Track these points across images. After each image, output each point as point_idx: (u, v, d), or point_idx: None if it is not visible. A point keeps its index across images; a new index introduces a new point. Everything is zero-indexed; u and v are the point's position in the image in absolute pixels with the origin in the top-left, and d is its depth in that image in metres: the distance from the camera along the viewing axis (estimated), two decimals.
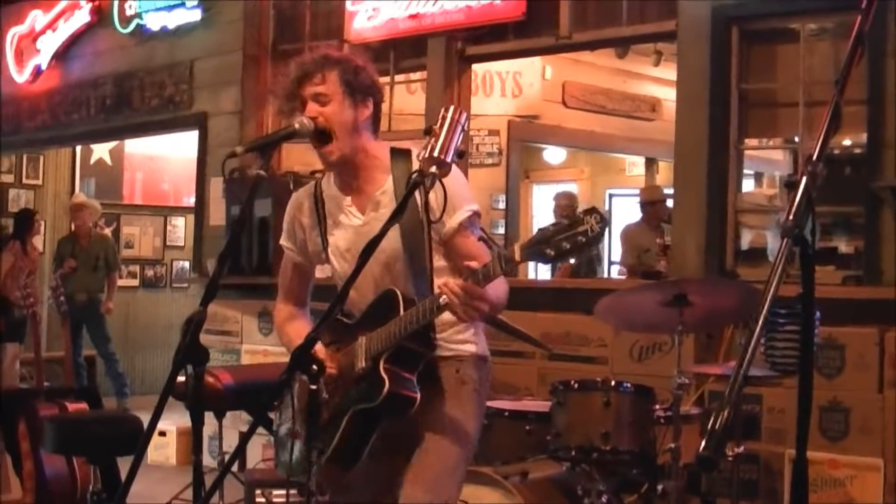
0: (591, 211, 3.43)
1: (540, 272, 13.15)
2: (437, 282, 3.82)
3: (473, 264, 3.66)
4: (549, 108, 13.08)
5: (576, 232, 3.40)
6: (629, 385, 5.57)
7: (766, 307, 2.26)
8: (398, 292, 3.91)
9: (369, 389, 3.90)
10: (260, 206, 8.99)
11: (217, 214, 10.57)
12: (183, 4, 11.21)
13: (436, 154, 3.64)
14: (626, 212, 12.94)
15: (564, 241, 3.41)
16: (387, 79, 9.38)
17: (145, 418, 4.27)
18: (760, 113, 7.79)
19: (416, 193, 3.68)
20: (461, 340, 4.19)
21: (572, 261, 12.90)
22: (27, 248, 11.86)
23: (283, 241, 4.42)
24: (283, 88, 4.08)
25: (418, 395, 3.93)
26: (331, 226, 4.24)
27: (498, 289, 3.93)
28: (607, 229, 3.45)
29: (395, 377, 3.89)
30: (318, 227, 4.27)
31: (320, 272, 4.49)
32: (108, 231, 14.19)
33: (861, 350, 6.48)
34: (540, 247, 3.46)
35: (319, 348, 4.09)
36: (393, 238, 3.88)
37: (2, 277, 11.36)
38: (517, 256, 3.52)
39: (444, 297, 3.63)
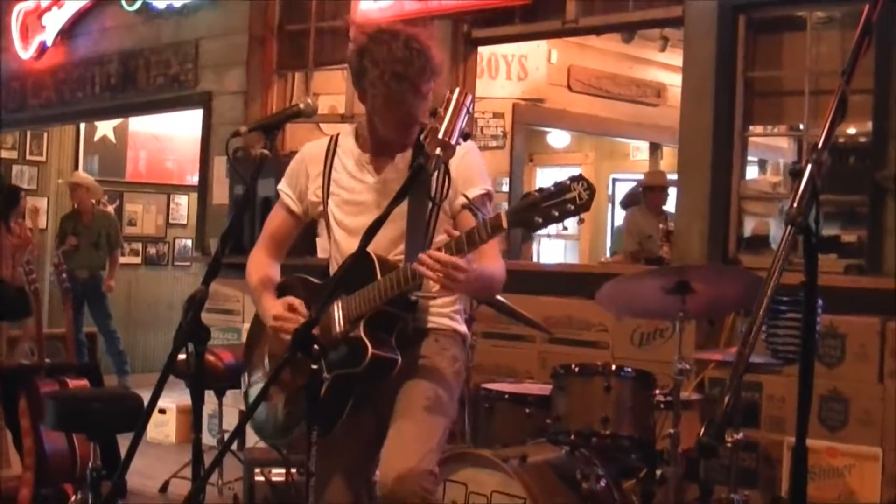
0: (578, 178, 3.42)
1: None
2: None
3: (454, 232, 3.67)
4: (554, 91, 13.05)
5: (564, 199, 3.40)
6: (630, 370, 5.56)
7: (768, 294, 2.26)
8: (374, 256, 3.91)
9: (349, 354, 3.91)
10: (263, 185, 8.92)
11: (220, 193, 10.58)
12: None
13: (440, 136, 3.64)
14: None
15: (553, 209, 3.41)
16: None
17: (146, 396, 4.28)
18: (766, 101, 7.77)
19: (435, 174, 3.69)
20: (441, 314, 4.23)
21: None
22: (11, 226, 11.80)
23: (281, 186, 4.41)
24: (393, 74, 3.95)
25: (399, 358, 3.95)
26: (338, 178, 4.24)
27: (493, 267, 3.95)
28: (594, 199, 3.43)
29: (375, 340, 3.90)
30: (322, 177, 4.27)
31: (322, 252, 4.49)
32: (110, 208, 14.17)
33: (862, 340, 6.48)
34: (528, 214, 3.46)
35: (299, 303, 4.13)
36: (399, 217, 3.89)
37: None
38: (503, 223, 3.52)
39: (417, 267, 3.64)
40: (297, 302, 4.14)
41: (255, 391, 4.35)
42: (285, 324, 4.10)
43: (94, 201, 13.04)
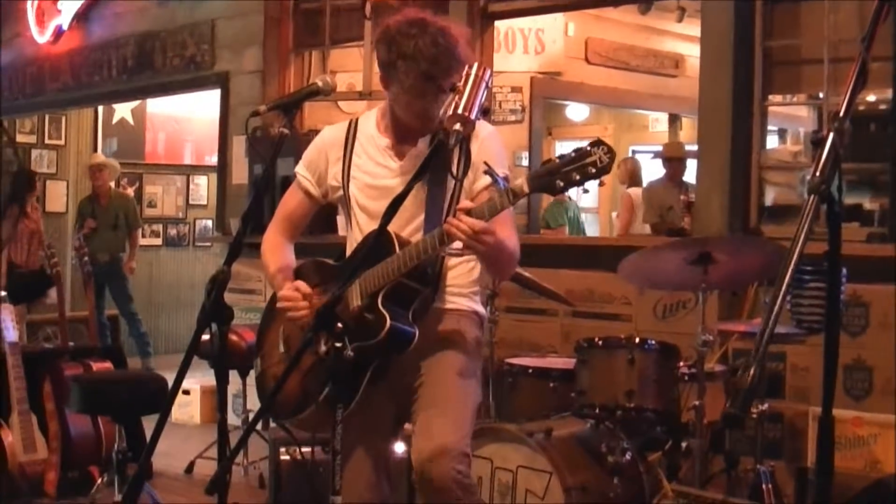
0: (598, 143, 3.45)
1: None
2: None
3: (468, 203, 3.69)
4: (571, 64, 13.03)
5: (585, 163, 3.43)
6: (653, 343, 5.57)
7: (792, 264, 2.25)
8: (392, 232, 3.90)
9: (367, 327, 3.92)
10: (283, 164, 8.93)
11: (240, 173, 10.58)
12: None
13: (460, 111, 3.65)
14: (649, 169, 12.90)
15: (574, 172, 3.44)
16: None
17: (170, 377, 4.29)
18: (785, 70, 7.73)
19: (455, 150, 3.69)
20: (461, 294, 4.24)
21: None
22: (27, 210, 11.75)
23: (299, 169, 4.41)
24: (421, 72, 3.94)
25: (416, 331, 3.95)
26: (360, 163, 4.24)
27: (509, 241, 3.95)
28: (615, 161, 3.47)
29: (393, 313, 3.91)
30: (342, 161, 4.27)
31: (344, 230, 4.49)
32: (130, 190, 14.20)
33: (886, 308, 6.45)
34: (550, 178, 3.48)
35: (306, 288, 4.13)
36: (417, 195, 3.89)
37: (2, 244, 11.27)
38: (525, 188, 3.54)
39: (448, 227, 3.64)
40: (305, 287, 4.14)
41: (272, 374, 4.36)
42: (286, 304, 4.13)
43: (111, 184, 13.07)
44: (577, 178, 3.45)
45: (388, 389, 4.14)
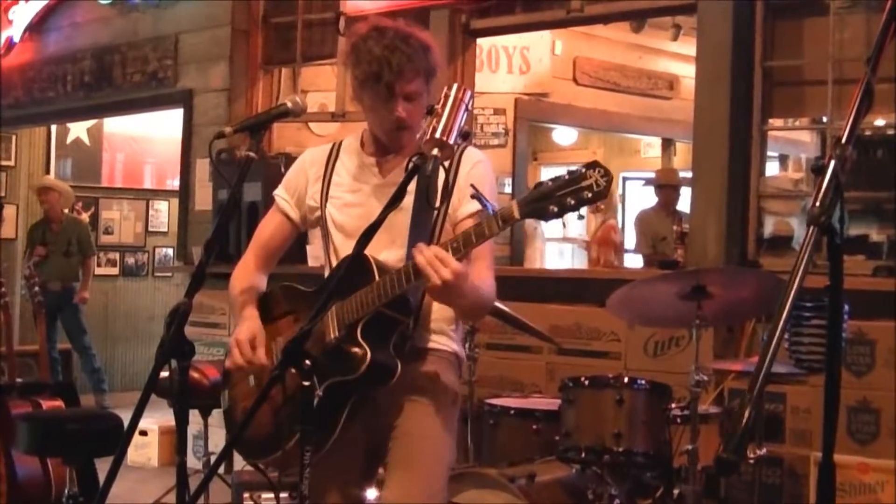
0: (594, 165, 3.43)
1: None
2: None
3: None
4: (559, 85, 13.05)
5: (580, 187, 3.41)
6: (644, 382, 5.56)
7: (790, 299, 2.25)
8: (371, 258, 3.88)
9: (344, 361, 3.90)
10: (249, 189, 8.98)
11: (203, 198, 10.57)
12: None
13: (437, 135, 3.65)
14: (641, 196, 12.93)
15: (569, 197, 3.42)
16: None
17: (125, 416, 4.28)
18: (786, 91, 7.76)
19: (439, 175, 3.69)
20: (440, 331, 4.23)
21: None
22: None
23: (278, 192, 4.40)
24: (369, 74, 3.99)
25: (399, 363, 3.94)
26: (339, 181, 4.26)
27: (482, 281, 3.94)
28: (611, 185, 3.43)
29: (373, 346, 3.89)
30: (322, 181, 4.28)
31: (313, 260, 4.48)
32: (85, 216, 14.17)
33: (892, 346, 6.47)
34: (542, 203, 3.46)
35: (261, 343, 4.13)
36: (399, 221, 3.89)
37: None
38: (516, 214, 3.51)
39: (416, 254, 3.63)
40: (261, 341, 4.13)
41: (241, 409, 4.34)
42: (235, 352, 4.12)
43: (66, 210, 13.04)
44: (572, 202, 3.43)
45: (363, 425, 4.14)
